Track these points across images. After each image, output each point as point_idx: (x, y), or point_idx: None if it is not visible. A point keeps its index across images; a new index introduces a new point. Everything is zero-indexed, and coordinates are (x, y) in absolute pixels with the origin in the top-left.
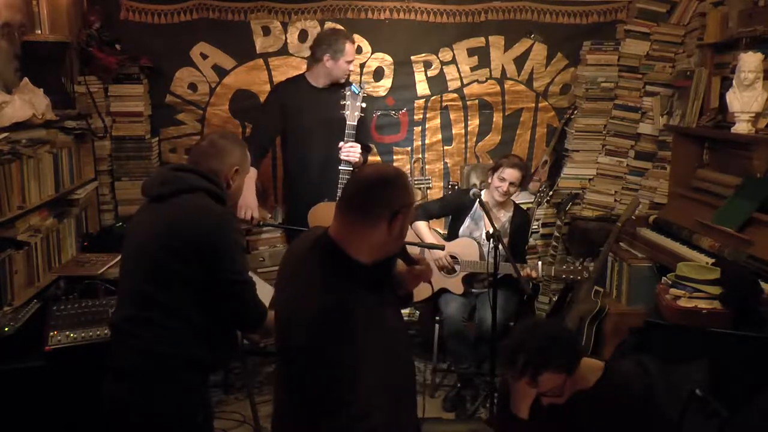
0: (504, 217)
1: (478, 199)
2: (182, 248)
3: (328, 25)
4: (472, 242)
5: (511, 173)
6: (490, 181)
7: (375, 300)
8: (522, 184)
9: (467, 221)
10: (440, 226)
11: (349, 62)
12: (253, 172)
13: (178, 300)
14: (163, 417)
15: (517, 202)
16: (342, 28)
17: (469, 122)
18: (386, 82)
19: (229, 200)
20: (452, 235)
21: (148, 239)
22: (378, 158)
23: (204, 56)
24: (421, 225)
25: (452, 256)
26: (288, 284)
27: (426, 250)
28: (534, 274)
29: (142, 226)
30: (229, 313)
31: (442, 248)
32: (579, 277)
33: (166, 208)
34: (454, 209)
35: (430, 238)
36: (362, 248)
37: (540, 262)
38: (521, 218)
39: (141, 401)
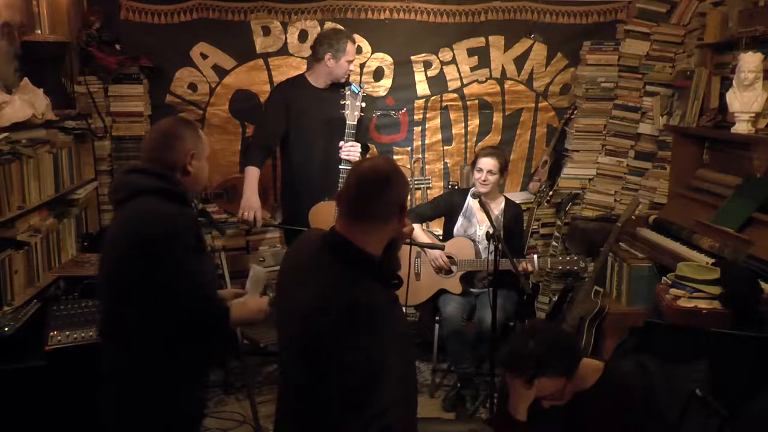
0: (496, 210)
1: (475, 198)
2: (126, 259)
3: (329, 24)
4: (467, 241)
5: (486, 162)
6: (473, 177)
7: (388, 296)
8: (501, 172)
9: (460, 220)
10: (440, 226)
11: (350, 62)
12: (255, 172)
13: (133, 313)
14: (136, 424)
15: (517, 201)
16: (342, 27)
17: (469, 122)
18: (386, 82)
19: (192, 189)
20: (447, 235)
21: (104, 253)
22: None
23: (204, 56)
24: (417, 233)
25: (448, 257)
26: (301, 286)
27: (429, 253)
28: (530, 268)
29: (105, 239)
30: (182, 322)
31: (442, 248)
32: (575, 268)
33: (120, 216)
34: (445, 209)
35: (425, 239)
36: (376, 243)
37: (536, 256)
38: (513, 210)
39: (117, 407)
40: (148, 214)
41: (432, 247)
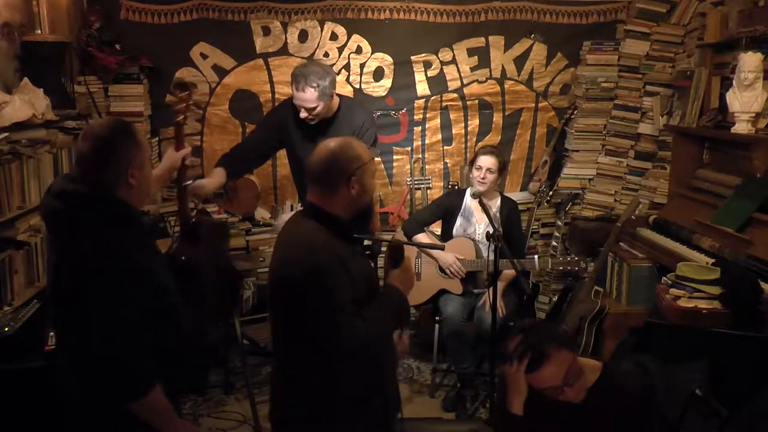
0: (494, 207)
1: (475, 197)
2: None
3: (328, 25)
4: (468, 241)
5: (485, 160)
6: (471, 176)
7: (345, 248)
8: (500, 171)
9: (459, 220)
10: (438, 226)
11: (298, 104)
12: (220, 171)
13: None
14: None
15: (517, 201)
16: (302, 68)
17: (469, 122)
18: (386, 82)
19: (137, 203)
20: (446, 235)
21: (57, 290)
22: (377, 159)
23: (204, 56)
24: (420, 237)
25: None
26: (277, 248)
27: (437, 258)
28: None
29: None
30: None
31: (442, 248)
32: (576, 268)
33: (64, 253)
34: (444, 211)
35: (425, 240)
36: (336, 207)
37: (536, 256)
38: (510, 206)
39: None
40: (85, 253)
41: (432, 247)
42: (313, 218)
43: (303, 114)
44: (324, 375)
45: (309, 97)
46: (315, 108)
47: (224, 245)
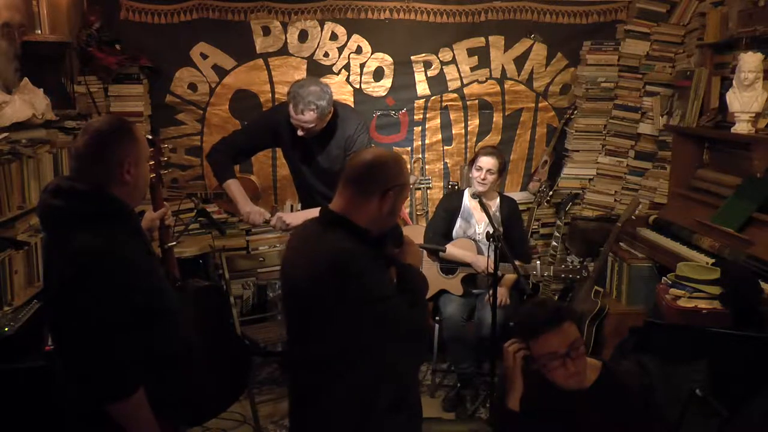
0: (493, 207)
1: (475, 198)
2: (60, 297)
3: (330, 24)
4: (469, 241)
5: (486, 161)
6: (471, 176)
7: (375, 255)
8: (500, 172)
9: (458, 222)
10: None
11: (296, 124)
12: (237, 183)
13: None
14: None
15: (517, 201)
16: (299, 87)
17: (469, 122)
18: (386, 82)
19: (132, 199)
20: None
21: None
22: None
23: (204, 56)
24: (450, 248)
25: (450, 261)
26: (297, 259)
27: (475, 263)
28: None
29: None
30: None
31: (444, 250)
32: (578, 276)
33: (56, 251)
34: (448, 215)
35: (464, 254)
36: (360, 217)
37: (538, 262)
38: (509, 204)
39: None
40: (74, 252)
41: (434, 250)
42: (339, 227)
43: (300, 132)
44: (364, 383)
45: (308, 118)
46: (314, 127)
47: (221, 312)
